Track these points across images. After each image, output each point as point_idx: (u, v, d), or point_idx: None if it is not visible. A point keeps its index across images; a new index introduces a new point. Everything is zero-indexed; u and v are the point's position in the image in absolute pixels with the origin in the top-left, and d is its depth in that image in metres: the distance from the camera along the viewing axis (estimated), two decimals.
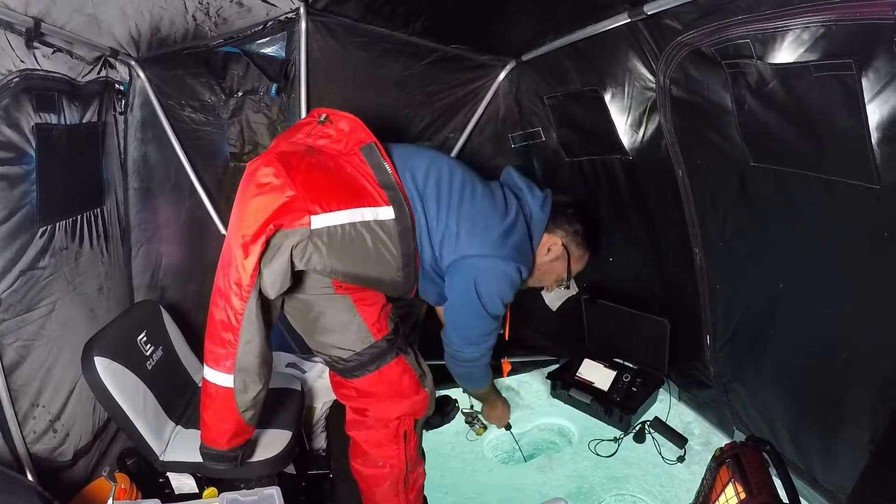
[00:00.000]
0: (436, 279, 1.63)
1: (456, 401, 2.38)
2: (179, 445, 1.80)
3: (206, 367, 1.49)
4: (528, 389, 2.57)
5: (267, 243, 1.33)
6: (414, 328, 2.39)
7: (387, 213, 1.43)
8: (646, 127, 1.66)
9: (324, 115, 1.53)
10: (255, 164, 1.43)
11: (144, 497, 1.67)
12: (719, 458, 1.31)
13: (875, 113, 0.96)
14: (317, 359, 2.21)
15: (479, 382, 1.90)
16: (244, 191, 1.43)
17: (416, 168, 1.56)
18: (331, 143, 1.50)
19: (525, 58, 2.12)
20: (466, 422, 2.34)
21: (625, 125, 1.74)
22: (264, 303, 1.41)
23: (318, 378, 2.18)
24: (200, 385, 2.11)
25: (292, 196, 1.34)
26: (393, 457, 1.70)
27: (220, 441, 1.53)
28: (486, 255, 1.53)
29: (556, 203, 1.75)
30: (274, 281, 1.37)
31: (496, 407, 2.16)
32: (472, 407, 2.30)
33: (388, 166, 1.47)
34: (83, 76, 1.76)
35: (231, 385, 1.45)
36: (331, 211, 1.36)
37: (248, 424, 1.52)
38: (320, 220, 1.35)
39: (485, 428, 2.34)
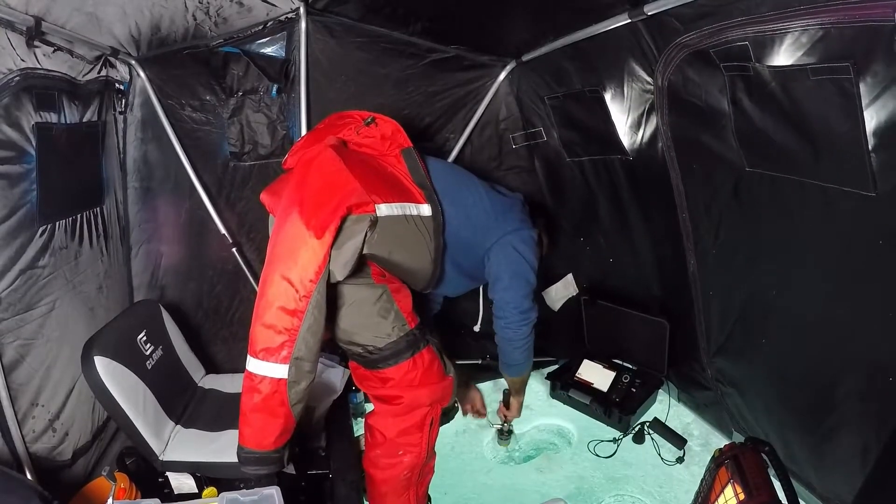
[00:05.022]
0: (466, 267, 1.80)
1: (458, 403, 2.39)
2: (179, 445, 1.80)
3: (253, 360, 1.42)
4: (528, 390, 2.54)
5: (338, 227, 1.38)
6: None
7: (426, 210, 1.59)
8: (644, 128, 1.66)
9: (370, 118, 1.67)
10: (315, 152, 1.54)
11: (144, 497, 1.67)
12: (718, 459, 1.31)
13: (872, 118, 0.95)
14: None
15: (530, 361, 1.97)
16: (305, 176, 1.49)
17: (444, 171, 1.77)
18: (374, 142, 1.65)
19: (525, 58, 2.12)
20: (501, 438, 2.35)
21: (625, 126, 1.75)
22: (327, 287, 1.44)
23: (318, 378, 2.18)
24: (200, 385, 2.14)
25: (358, 185, 1.44)
26: (415, 444, 1.73)
27: (266, 441, 1.47)
28: (517, 228, 1.79)
29: (528, 203, 2.01)
30: (346, 263, 1.42)
31: (522, 395, 2.20)
32: (503, 424, 2.33)
33: (422, 169, 1.65)
34: (83, 75, 1.76)
35: (285, 376, 1.41)
36: (388, 202, 1.48)
37: (295, 419, 1.49)
38: (383, 209, 1.46)
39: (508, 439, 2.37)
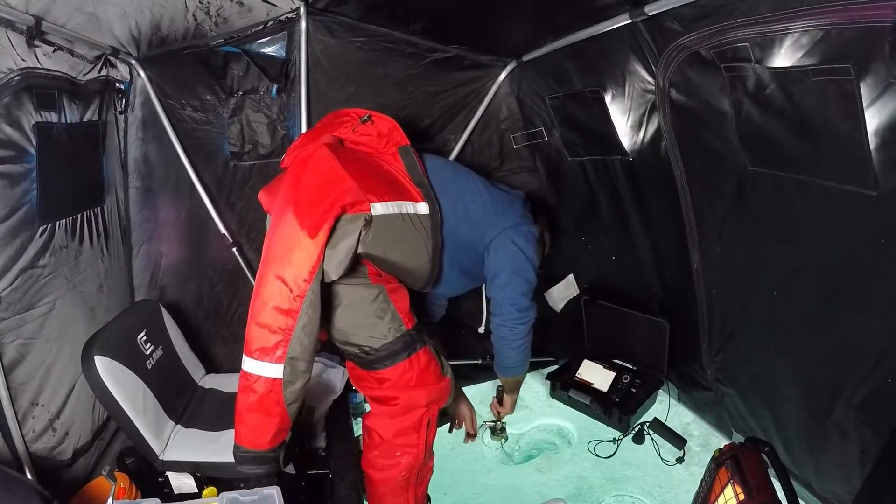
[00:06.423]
0: (466, 265, 1.80)
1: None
2: (179, 445, 1.80)
3: (248, 360, 1.42)
4: (528, 390, 2.57)
5: (332, 226, 1.39)
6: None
7: (423, 208, 1.59)
8: (646, 129, 1.66)
9: (367, 115, 1.66)
10: (310, 151, 1.53)
11: (144, 496, 1.67)
12: (718, 459, 1.31)
13: (874, 118, 0.95)
14: (317, 358, 2.21)
15: (525, 363, 1.97)
16: (300, 175, 1.48)
17: (442, 168, 1.77)
18: (370, 140, 1.65)
19: (526, 58, 2.12)
20: (493, 434, 2.34)
21: (625, 126, 1.75)
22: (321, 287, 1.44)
23: (318, 378, 2.18)
24: (200, 384, 2.15)
25: (353, 184, 1.44)
26: (413, 445, 1.73)
27: (261, 440, 1.47)
28: (517, 223, 1.79)
29: (530, 201, 2.00)
30: (340, 262, 1.42)
31: (516, 393, 2.19)
32: (495, 421, 2.33)
33: (420, 167, 1.64)
34: (84, 75, 1.76)
35: (280, 375, 1.41)
36: (383, 201, 1.48)
37: (290, 419, 1.48)
38: (378, 208, 1.46)
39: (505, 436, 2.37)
